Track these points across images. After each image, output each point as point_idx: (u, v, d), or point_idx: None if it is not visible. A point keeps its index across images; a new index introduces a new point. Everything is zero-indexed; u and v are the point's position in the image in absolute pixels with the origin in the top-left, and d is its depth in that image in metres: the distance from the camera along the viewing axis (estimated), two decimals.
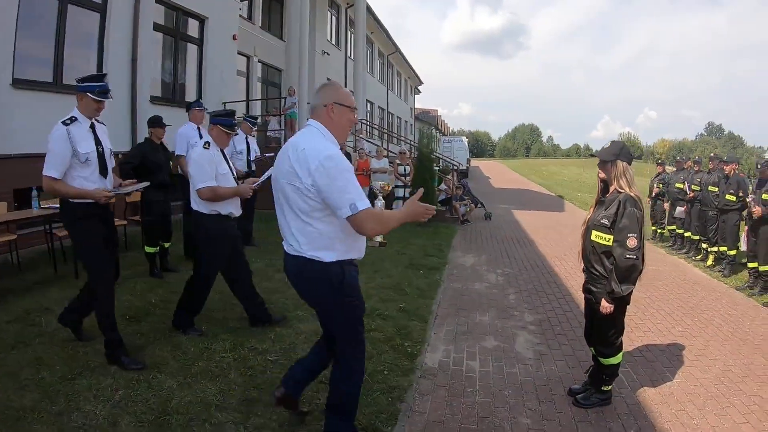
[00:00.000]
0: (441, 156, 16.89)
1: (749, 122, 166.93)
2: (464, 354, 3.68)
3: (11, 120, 5.76)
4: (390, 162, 11.36)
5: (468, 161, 29.02)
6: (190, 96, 9.88)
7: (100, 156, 3.07)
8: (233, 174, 3.64)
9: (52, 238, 5.12)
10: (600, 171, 2.86)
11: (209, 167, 3.37)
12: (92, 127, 3.08)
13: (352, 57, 19.02)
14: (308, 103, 12.34)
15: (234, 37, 10.94)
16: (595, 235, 2.78)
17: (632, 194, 2.70)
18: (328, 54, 17.97)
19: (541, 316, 4.58)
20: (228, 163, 3.62)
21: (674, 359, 3.71)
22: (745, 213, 6.14)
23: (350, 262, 2.22)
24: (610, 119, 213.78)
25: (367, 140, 14.85)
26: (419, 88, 39.43)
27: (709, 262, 6.94)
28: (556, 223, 11.07)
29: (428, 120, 41.05)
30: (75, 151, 2.91)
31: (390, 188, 2.70)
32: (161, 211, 5.08)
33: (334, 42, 19.41)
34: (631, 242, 2.62)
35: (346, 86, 18.04)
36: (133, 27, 7.54)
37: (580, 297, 4.80)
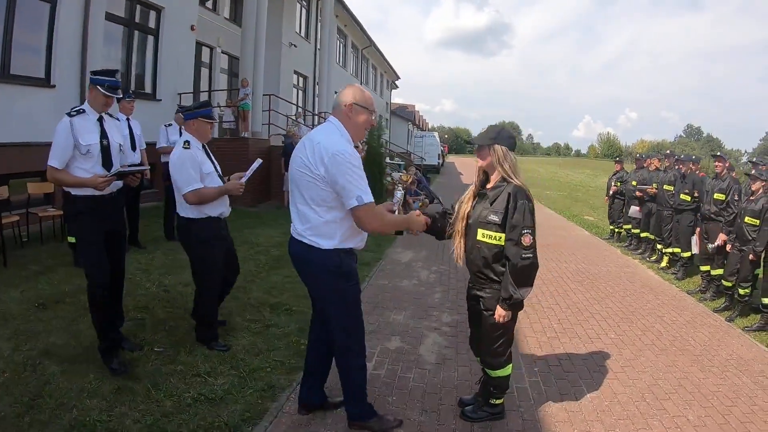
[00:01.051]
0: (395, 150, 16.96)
1: (726, 124, 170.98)
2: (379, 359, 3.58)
3: None
4: None
5: (440, 156, 29.25)
6: (146, 86, 9.85)
7: (104, 149, 3.06)
8: (218, 171, 3.46)
9: None
10: (478, 159, 2.63)
11: (192, 169, 3.20)
12: (100, 120, 3.10)
13: (328, 49, 18.97)
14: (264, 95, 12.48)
15: (192, 28, 10.92)
16: (482, 234, 2.50)
17: (519, 184, 2.48)
18: (295, 46, 17.91)
19: (460, 317, 4.35)
20: (212, 160, 3.44)
21: (596, 370, 3.49)
22: (698, 215, 5.96)
23: (349, 251, 2.39)
24: (591, 119, 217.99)
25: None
26: (396, 83, 39.42)
27: (663, 263, 6.79)
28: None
29: (405, 115, 40.98)
30: (76, 143, 2.93)
31: (410, 179, 2.80)
32: None
33: (303, 34, 19.32)
34: (527, 240, 2.41)
35: (314, 78, 18.13)
36: (84, 17, 7.53)
37: None
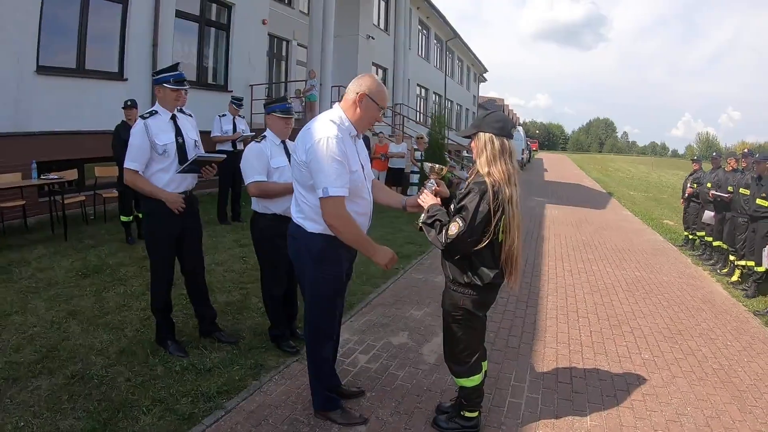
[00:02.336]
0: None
1: None
2: (362, 347, 3.67)
3: (35, 102, 6.81)
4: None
5: (525, 152, 28.39)
6: (218, 78, 10.71)
7: (180, 147, 3.18)
8: None
9: (52, 206, 6.10)
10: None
11: (257, 161, 3.24)
12: (173, 118, 3.23)
13: (402, 41, 19.22)
14: (333, 86, 12.96)
15: (264, 22, 11.62)
16: None
17: (487, 179, 2.25)
18: (372, 38, 18.31)
19: None
20: (289, 156, 3.35)
21: (610, 395, 3.18)
22: None
23: (336, 239, 2.34)
24: (691, 118, 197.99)
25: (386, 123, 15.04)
26: (485, 76, 38.83)
27: (735, 277, 6.21)
28: (583, 220, 10.88)
29: (493, 109, 40.14)
30: (152, 143, 3.07)
31: (445, 172, 2.54)
32: None
33: (382, 26, 19.71)
34: (452, 227, 2.24)
35: (393, 70, 18.41)
36: (154, 15, 8.46)
37: (546, 305, 4.88)
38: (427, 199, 2.49)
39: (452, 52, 30.06)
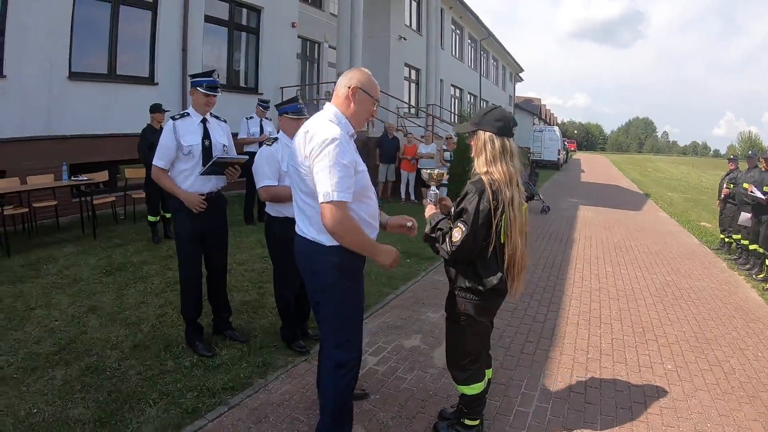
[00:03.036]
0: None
1: None
2: (372, 348, 3.66)
3: (67, 107, 7.20)
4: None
5: (561, 152, 27.87)
6: (249, 81, 11.01)
7: (206, 150, 3.31)
8: None
9: (81, 206, 6.43)
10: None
11: (268, 166, 3.28)
12: (203, 122, 3.37)
13: (434, 41, 19.19)
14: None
15: (293, 25, 11.88)
16: None
17: (485, 177, 2.22)
18: (404, 39, 18.38)
19: (499, 323, 4.19)
20: None
21: (624, 408, 3.05)
22: None
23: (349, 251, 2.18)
24: (734, 116, 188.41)
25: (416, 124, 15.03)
26: (521, 75, 38.34)
27: None
28: (616, 222, 10.63)
29: (530, 109, 39.86)
30: (179, 143, 3.22)
31: (445, 176, 2.53)
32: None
33: (414, 27, 19.77)
34: (456, 233, 2.20)
35: (426, 70, 18.38)
36: (183, 21, 8.78)
37: (567, 310, 4.79)
38: (429, 209, 2.45)
39: (487, 52, 29.88)
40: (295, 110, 3.42)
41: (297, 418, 2.76)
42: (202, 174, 3.30)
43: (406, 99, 18.83)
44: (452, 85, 24.29)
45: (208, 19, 9.57)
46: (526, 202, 8.11)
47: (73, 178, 6.38)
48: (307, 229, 2.21)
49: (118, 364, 3.19)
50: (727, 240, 8.00)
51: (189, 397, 2.87)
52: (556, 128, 30.28)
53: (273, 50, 11.32)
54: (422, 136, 11.75)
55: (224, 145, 3.44)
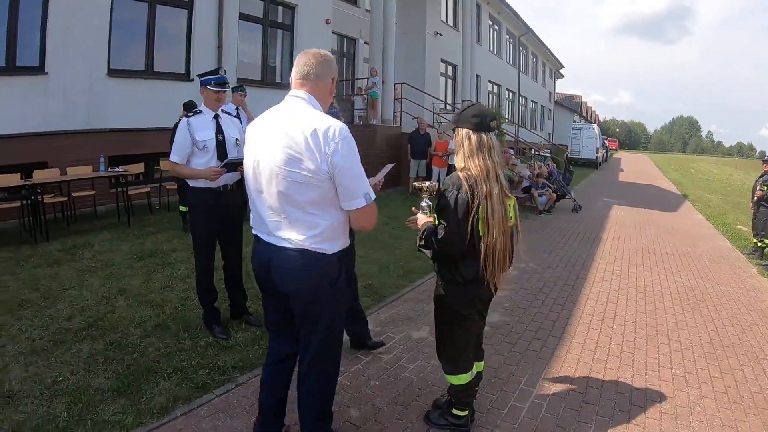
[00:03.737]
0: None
1: None
2: (380, 338, 3.77)
3: (106, 102, 7.67)
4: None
5: (600, 151, 27.18)
6: (284, 77, 11.32)
7: (220, 144, 3.50)
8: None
9: (117, 195, 6.89)
10: None
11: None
12: (216, 118, 3.54)
13: (470, 37, 19.09)
14: (395, 84, 13.12)
15: (327, 21, 12.08)
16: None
17: (461, 173, 2.28)
18: (440, 35, 18.37)
19: (510, 319, 4.38)
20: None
21: (623, 410, 3.03)
22: None
23: (347, 251, 2.18)
24: None
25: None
26: (562, 72, 37.53)
27: None
28: (648, 222, 10.40)
29: (570, 106, 38.92)
30: (193, 139, 3.41)
31: (435, 188, 2.49)
32: None
33: (451, 23, 19.70)
34: (440, 230, 2.27)
35: (462, 65, 18.39)
36: (218, 19, 9.12)
37: (582, 309, 4.79)
38: (420, 219, 2.46)
39: (526, 48, 29.41)
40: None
41: None
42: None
43: (442, 95, 18.85)
44: (490, 82, 24.05)
45: (243, 16, 9.88)
46: (557, 200, 8.01)
47: (109, 170, 6.81)
48: (310, 240, 1.99)
49: (140, 341, 3.47)
50: (760, 244, 7.73)
51: (201, 373, 3.10)
52: (594, 126, 29.54)
53: (307, 46, 11.21)
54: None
55: (236, 139, 3.61)
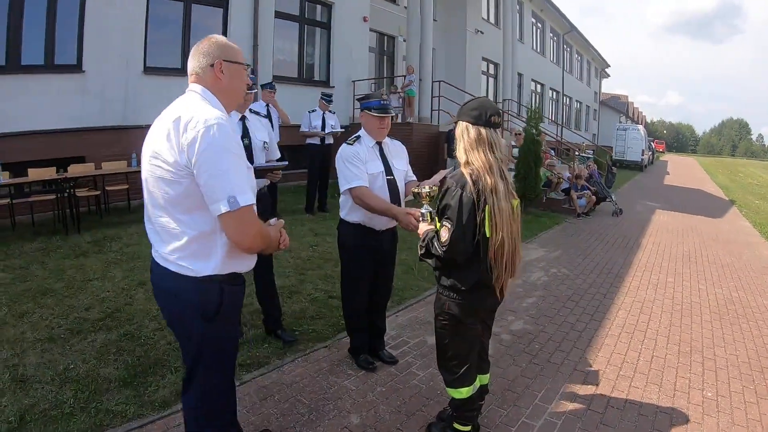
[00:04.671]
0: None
1: None
2: (395, 342, 3.73)
3: (142, 99, 7.92)
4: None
5: (646, 153, 26.15)
6: (320, 75, 11.35)
7: (246, 148, 3.23)
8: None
9: None
10: None
11: (352, 165, 3.00)
12: (242, 119, 3.39)
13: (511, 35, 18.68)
14: (434, 81, 12.93)
15: (365, 19, 12.08)
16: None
17: (465, 169, 2.19)
18: (482, 32, 18.06)
19: (533, 328, 4.22)
20: (385, 161, 3.12)
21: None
22: None
23: (233, 280, 1.82)
24: None
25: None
26: (608, 71, 36.29)
27: None
28: (691, 228, 9.88)
29: (616, 106, 37.60)
30: None
31: (436, 193, 2.38)
32: None
33: (492, 20, 19.33)
34: (443, 233, 2.13)
35: (503, 63, 18.01)
36: (253, 17, 9.25)
37: (612, 321, 4.56)
38: (421, 227, 2.36)
39: (570, 46, 28.59)
40: (378, 106, 3.04)
41: (300, 400, 2.91)
42: None
43: (483, 93, 18.55)
44: (533, 80, 23.50)
45: (279, 14, 10.01)
46: (596, 203, 7.64)
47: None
48: (170, 255, 1.72)
49: (153, 334, 3.53)
50: None
51: None
52: (640, 127, 28.38)
53: (345, 44, 11.60)
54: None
55: (264, 142, 3.42)
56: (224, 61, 1.80)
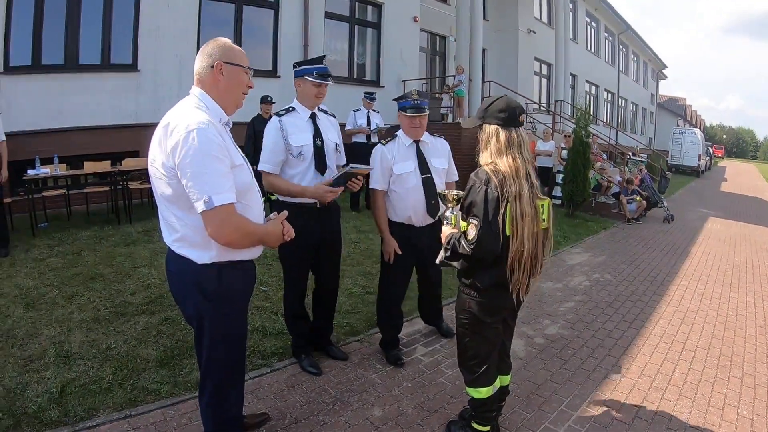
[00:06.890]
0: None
1: None
2: (427, 340, 3.74)
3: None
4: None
5: (703, 158, 24.76)
6: (371, 74, 11.51)
7: (318, 150, 2.83)
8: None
9: None
10: None
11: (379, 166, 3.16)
12: (312, 117, 2.90)
13: (563, 35, 18.10)
14: (484, 82, 12.74)
15: (415, 19, 12.06)
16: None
17: (487, 167, 2.11)
18: (534, 32, 17.62)
19: (568, 332, 4.10)
20: (421, 161, 3.16)
21: None
22: None
23: (234, 265, 1.92)
24: None
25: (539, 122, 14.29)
26: (665, 72, 34.54)
27: None
28: (745, 238, 9.29)
29: (674, 109, 35.75)
30: (286, 144, 2.76)
31: (461, 196, 2.23)
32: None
33: (545, 20, 18.80)
34: (471, 231, 2.07)
35: (555, 64, 17.64)
36: (304, 17, 9.46)
37: (651, 329, 4.40)
38: (444, 231, 2.28)
39: (626, 47, 27.44)
40: (409, 106, 3.02)
41: (326, 390, 2.97)
42: (334, 186, 2.79)
43: (535, 94, 18.15)
44: (587, 81, 22.70)
45: (329, 15, 10.16)
46: (647, 208, 7.24)
47: None
48: (174, 243, 1.88)
49: None
50: None
51: None
52: (697, 131, 26.86)
53: (395, 44, 11.64)
54: (543, 132, 11.20)
55: (336, 144, 2.99)
56: (224, 62, 1.86)
